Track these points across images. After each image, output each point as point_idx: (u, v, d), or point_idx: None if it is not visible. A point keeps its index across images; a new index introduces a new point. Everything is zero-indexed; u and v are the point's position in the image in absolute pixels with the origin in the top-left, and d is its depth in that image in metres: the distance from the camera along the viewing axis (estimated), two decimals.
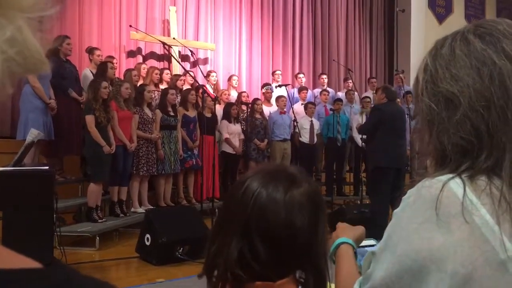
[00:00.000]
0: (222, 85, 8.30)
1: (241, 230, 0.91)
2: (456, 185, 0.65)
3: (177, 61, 7.04)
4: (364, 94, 9.03)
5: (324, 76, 9.21)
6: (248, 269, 0.89)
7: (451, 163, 0.68)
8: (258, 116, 7.58)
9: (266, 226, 0.89)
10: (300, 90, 8.57)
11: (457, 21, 11.38)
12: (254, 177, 0.95)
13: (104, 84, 5.39)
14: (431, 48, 0.79)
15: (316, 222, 0.93)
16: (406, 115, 6.49)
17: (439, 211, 0.64)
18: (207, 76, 7.83)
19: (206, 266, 0.95)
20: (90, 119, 5.28)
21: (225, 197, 1.00)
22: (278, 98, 7.85)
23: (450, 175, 0.67)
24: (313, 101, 8.54)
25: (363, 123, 7.20)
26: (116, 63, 6.91)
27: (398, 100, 7.66)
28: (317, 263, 0.93)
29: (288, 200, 0.91)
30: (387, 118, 5.53)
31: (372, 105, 8.40)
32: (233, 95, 7.92)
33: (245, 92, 8.08)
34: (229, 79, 8.22)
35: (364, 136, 7.81)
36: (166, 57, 8.15)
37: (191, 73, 7.23)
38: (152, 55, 8.12)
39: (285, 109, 7.83)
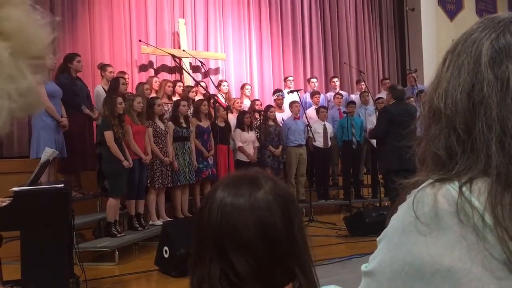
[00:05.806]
0: (234, 94, 8.30)
1: (216, 248, 0.87)
2: (453, 185, 0.65)
3: (187, 73, 7.06)
4: (378, 95, 8.96)
5: (336, 79, 9.16)
6: (236, 286, 0.85)
7: (447, 165, 0.68)
8: (271, 123, 7.55)
9: (237, 235, 0.86)
10: (313, 94, 8.53)
11: (468, 17, 11.22)
12: (215, 192, 0.92)
13: (119, 99, 5.46)
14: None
15: (289, 218, 0.90)
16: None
17: (437, 209, 0.64)
18: (218, 85, 7.84)
19: None
20: (109, 135, 5.33)
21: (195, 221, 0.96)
22: (292, 104, 7.82)
23: (447, 176, 0.67)
24: (326, 105, 8.49)
25: (372, 128, 7.09)
26: (128, 78, 6.96)
27: (412, 99, 7.57)
28: (303, 263, 0.89)
29: (253, 202, 0.88)
30: (396, 119, 5.40)
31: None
32: (246, 103, 7.91)
33: (258, 100, 8.08)
34: (242, 87, 8.23)
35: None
36: (177, 69, 8.19)
37: (201, 83, 7.23)
38: (163, 68, 8.17)
39: (299, 115, 7.80)
